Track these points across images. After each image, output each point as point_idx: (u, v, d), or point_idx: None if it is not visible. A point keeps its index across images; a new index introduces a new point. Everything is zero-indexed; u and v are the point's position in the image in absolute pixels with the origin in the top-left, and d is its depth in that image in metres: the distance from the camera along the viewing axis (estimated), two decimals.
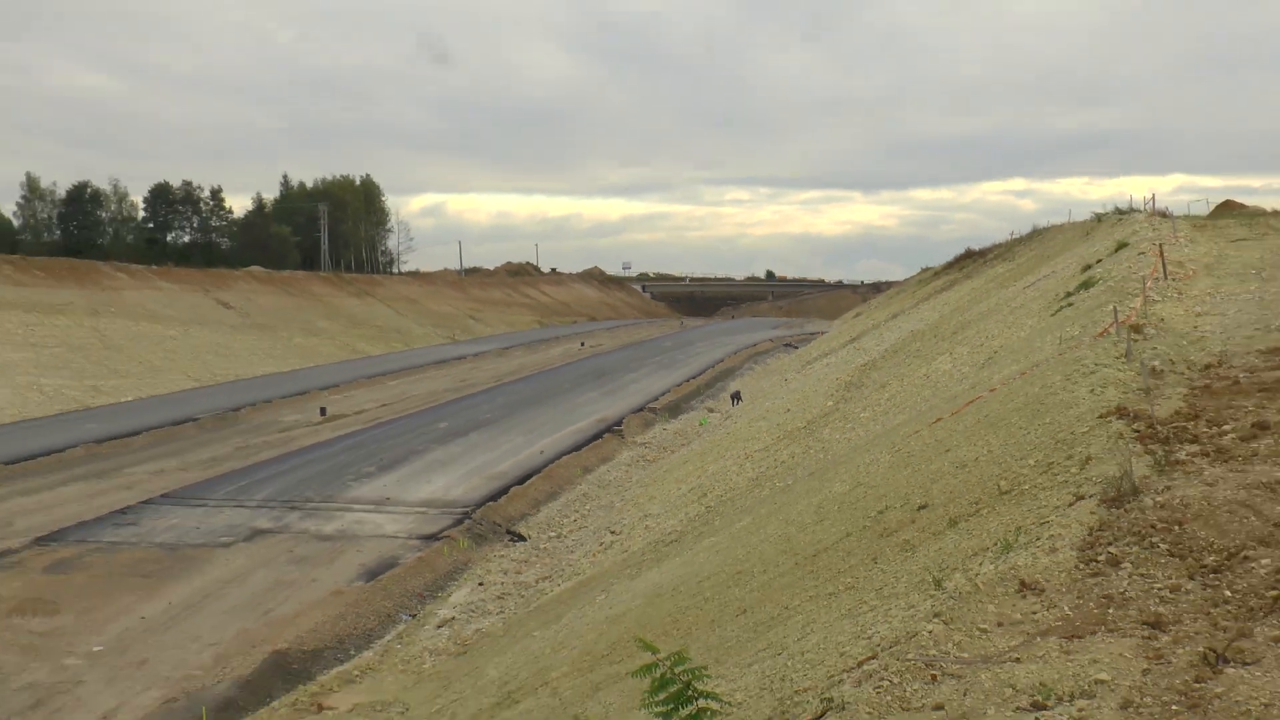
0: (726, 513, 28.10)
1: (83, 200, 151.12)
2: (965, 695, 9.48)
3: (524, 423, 57.85)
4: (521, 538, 35.49)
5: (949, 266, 79.95)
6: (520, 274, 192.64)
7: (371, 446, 51.17)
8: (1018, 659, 10.05)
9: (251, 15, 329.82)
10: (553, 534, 35.54)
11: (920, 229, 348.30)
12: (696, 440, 48.23)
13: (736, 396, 61.62)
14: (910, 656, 10.50)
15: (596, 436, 53.24)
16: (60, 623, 27.68)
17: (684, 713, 7.98)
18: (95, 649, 26.01)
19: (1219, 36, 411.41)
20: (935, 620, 11.36)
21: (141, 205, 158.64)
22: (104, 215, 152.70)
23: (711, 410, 59.81)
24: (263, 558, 32.99)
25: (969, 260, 76.86)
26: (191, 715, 22.58)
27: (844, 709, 9.80)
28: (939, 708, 9.35)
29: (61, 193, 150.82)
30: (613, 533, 32.80)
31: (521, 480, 42.97)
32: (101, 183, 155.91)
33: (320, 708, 22.52)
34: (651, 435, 53.95)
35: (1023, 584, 11.70)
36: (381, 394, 71.35)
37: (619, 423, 57.24)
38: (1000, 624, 10.91)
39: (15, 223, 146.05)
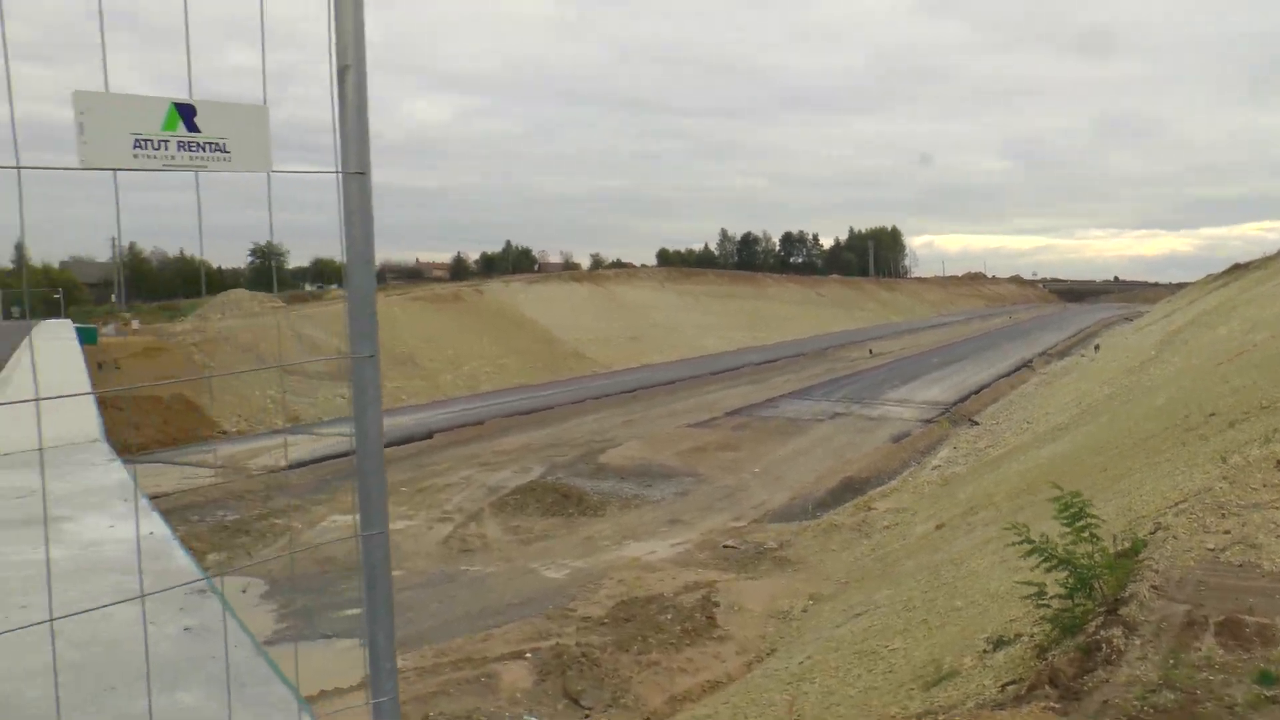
0: (1092, 414, 26.02)
1: (749, 241, 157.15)
2: (1243, 526, 8.79)
3: (979, 359, 55.02)
4: (976, 423, 34.11)
5: (1224, 274, 68.48)
6: (974, 279, 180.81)
7: (897, 371, 50.30)
8: (1276, 507, 9.15)
9: (846, 151, 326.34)
10: (993, 421, 33.90)
11: (1206, 252, 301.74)
12: (1075, 372, 44.36)
13: (1097, 347, 56.07)
14: (1207, 501, 9.76)
15: (1017, 369, 49.84)
16: (739, 455, 29.09)
17: (1078, 524, 7.88)
18: (755, 470, 27.22)
19: None
20: (1223, 481, 10.44)
21: (778, 243, 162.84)
22: (759, 249, 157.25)
23: (1083, 355, 54.39)
24: (838, 428, 33.49)
25: (1237, 270, 65.70)
26: (804, 506, 23.36)
27: (1168, 529, 9.28)
28: (1226, 532, 8.72)
29: (737, 238, 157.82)
30: (1027, 422, 30.98)
31: (977, 391, 41.13)
32: (757, 232, 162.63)
33: (869, 508, 22.84)
34: (1048, 369, 49.92)
35: (1278, 462, 10.52)
36: (901, 344, 69.58)
37: (1030, 361, 53.41)
38: (1264, 485, 9.91)
39: (715, 254, 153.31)
